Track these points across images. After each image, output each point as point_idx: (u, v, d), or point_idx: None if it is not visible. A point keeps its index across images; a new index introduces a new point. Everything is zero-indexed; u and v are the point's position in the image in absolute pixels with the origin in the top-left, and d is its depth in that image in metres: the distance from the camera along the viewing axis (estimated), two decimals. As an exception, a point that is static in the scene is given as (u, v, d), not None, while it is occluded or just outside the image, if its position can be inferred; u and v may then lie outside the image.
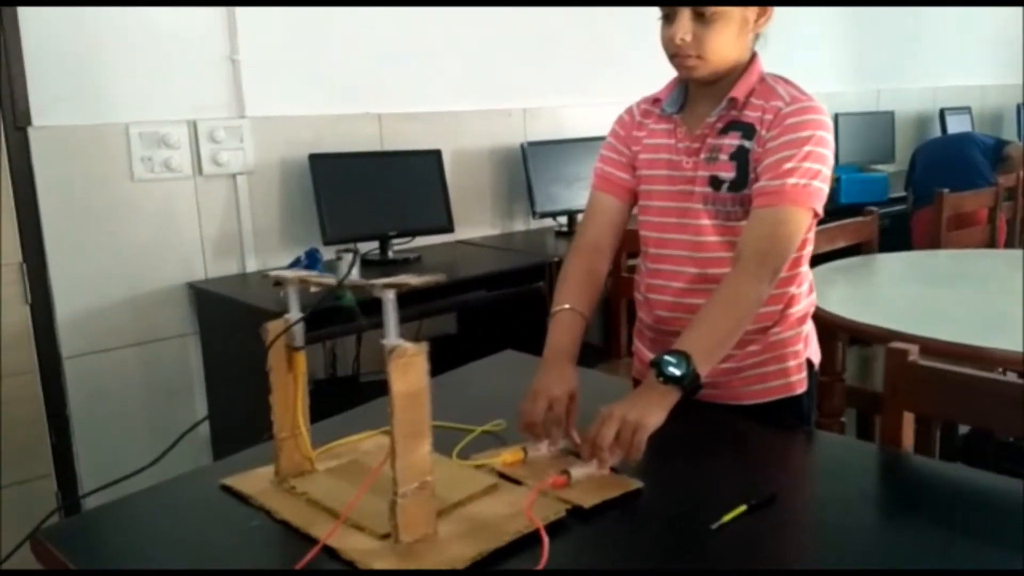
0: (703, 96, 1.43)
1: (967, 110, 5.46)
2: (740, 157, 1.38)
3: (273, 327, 1.15)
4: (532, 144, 3.30)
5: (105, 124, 2.48)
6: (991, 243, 3.41)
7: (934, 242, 3.27)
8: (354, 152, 2.91)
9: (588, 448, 1.17)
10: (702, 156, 1.41)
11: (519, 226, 3.47)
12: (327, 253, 2.65)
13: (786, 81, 1.41)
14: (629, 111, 1.55)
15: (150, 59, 2.53)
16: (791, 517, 1.09)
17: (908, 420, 1.30)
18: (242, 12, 2.67)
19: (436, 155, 3.02)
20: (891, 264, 2.74)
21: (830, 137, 1.35)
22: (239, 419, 2.63)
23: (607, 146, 1.55)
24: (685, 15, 1.32)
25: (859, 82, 4.82)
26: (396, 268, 2.81)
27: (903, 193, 4.15)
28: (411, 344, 0.99)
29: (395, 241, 2.91)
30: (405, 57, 3.07)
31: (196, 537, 1.08)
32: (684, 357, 1.21)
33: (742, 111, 1.39)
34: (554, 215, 3.35)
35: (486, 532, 1.03)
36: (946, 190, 3.21)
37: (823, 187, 1.34)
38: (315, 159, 2.78)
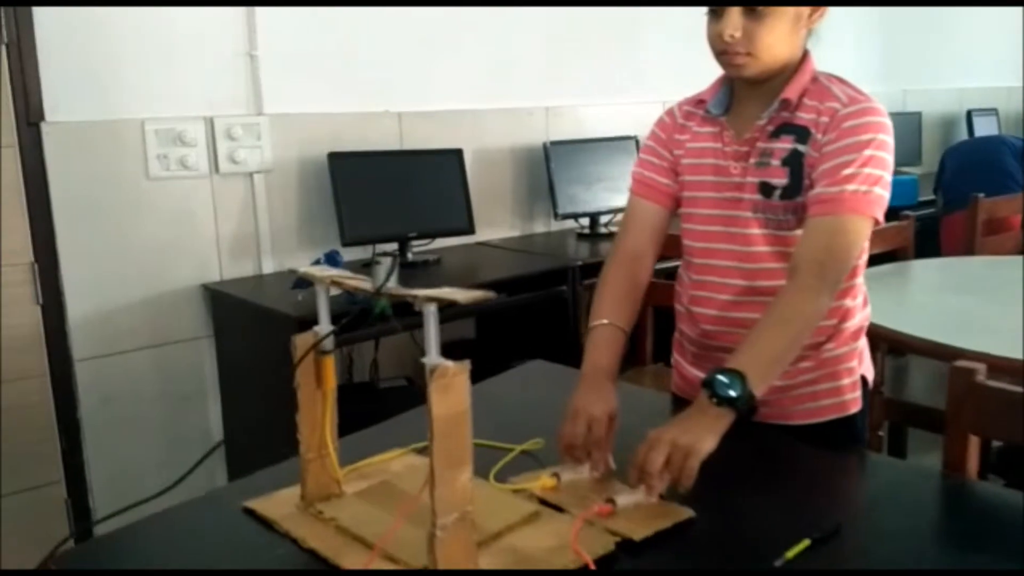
0: (751, 97, 1.35)
1: (994, 111, 5.35)
2: (793, 162, 1.29)
3: (302, 341, 1.07)
4: (555, 143, 3.21)
5: (120, 120, 2.41)
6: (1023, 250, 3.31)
7: (966, 248, 3.17)
8: (374, 151, 2.84)
9: (636, 474, 1.09)
10: (751, 161, 1.33)
11: (540, 227, 3.39)
12: (346, 254, 2.59)
13: (841, 80, 1.33)
14: (670, 113, 1.47)
15: (166, 54, 2.46)
16: (858, 552, 1.01)
17: (974, 444, 1.21)
18: (261, 7, 2.60)
19: (457, 154, 2.95)
20: (927, 271, 2.65)
21: (891, 140, 1.26)
22: (255, 425, 2.57)
23: (646, 149, 1.47)
24: (735, 10, 1.24)
25: (885, 82, 4.72)
26: (415, 271, 2.73)
27: (931, 196, 4.05)
28: (452, 363, 0.91)
29: (414, 243, 2.83)
30: (425, 54, 2.99)
31: (219, 567, 1.01)
32: (738, 377, 1.13)
33: (795, 113, 1.31)
34: (576, 216, 3.27)
35: (530, 567, 0.95)
36: (981, 195, 3.11)
37: (884, 194, 1.25)
38: (334, 158, 2.71)
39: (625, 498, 1.08)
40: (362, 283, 1.01)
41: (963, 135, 5.16)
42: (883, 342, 1.99)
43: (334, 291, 1.08)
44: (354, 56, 2.83)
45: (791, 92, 1.30)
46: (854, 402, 1.38)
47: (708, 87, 1.41)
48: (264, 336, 2.43)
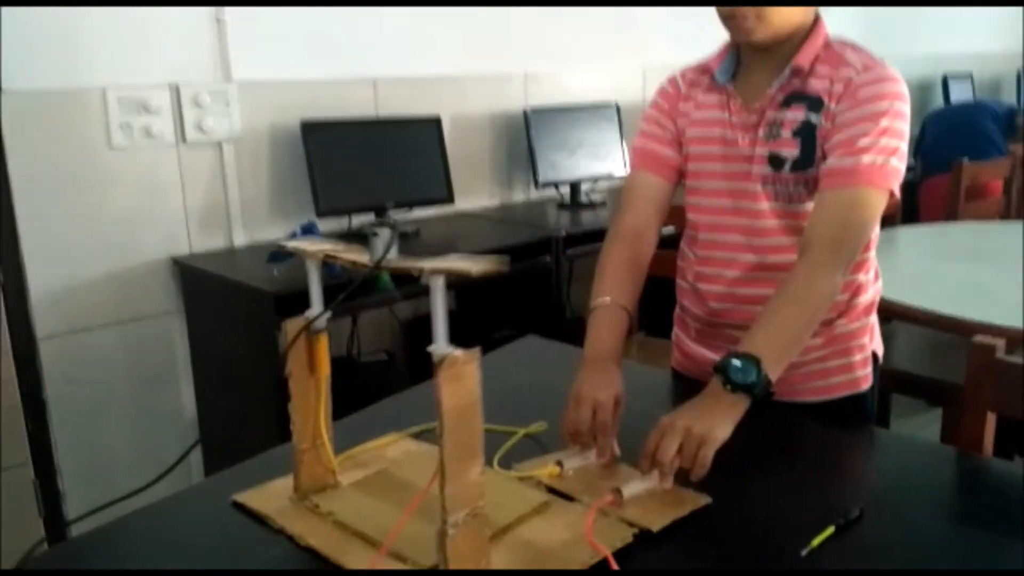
0: (759, 64, 1.28)
1: (969, 76, 5.35)
2: (805, 133, 1.23)
3: (292, 326, 0.99)
4: (535, 110, 3.13)
5: (81, 88, 2.28)
6: (1005, 214, 3.31)
7: (947, 212, 3.16)
8: (349, 119, 2.73)
9: (647, 462, 1.04)
10: (760, 132, 1.26)
11: (519, 196, 3.31)
12: (321, 225, 2.49)
13: (854, 46, 1.26)
14: (672, 82, 1.39)
15: (129, 19, 2.32)
16: (884, 538, 0.96)
17: (991, 421, 1.18)
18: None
19: (435, 123, 2.85)
20: (915, 238, 2.62)
21: (907, 108, 1.21)
22: (229, 405, 2.48)
23: (648, 119, 1.40)
24: None
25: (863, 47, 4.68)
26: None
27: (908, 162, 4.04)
28: (461, 351, 0.84)
29: (392, 213, 2.74)
30: (401, 18, 2.88)
31: (211, 567, 0.93)
32: (753, 362, 1.07)
33: (807, 80, 1.24)
34: (556, 185, 3.20)
35: (547, 563, 0.90)
36: (964, 159, 3.09)
37: (900, 165, 1.19)
38: (307, 127, 2.60)
39: (632, 487, 1.03)
40: (359, 256, 0.93)
41: (939, 100, 5.15)
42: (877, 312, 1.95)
43: (312, 265, 0.99)
44: (327, 20, 2.70)
45: (803, 59, 1.23)
46: (865, 379, 1.34)
47: (714, 54, 1.33)
48: (238, 313, 2.34)
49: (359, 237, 2.71)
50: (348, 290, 0.92)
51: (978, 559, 0.94)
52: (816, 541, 0.93)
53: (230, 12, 2.49)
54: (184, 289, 2.51)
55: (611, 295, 1.28)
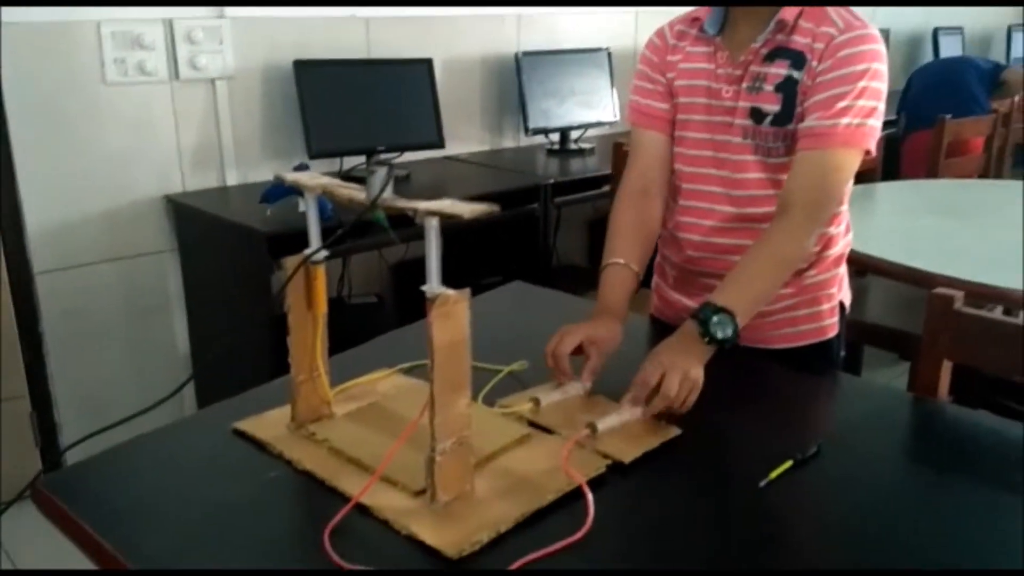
0: (746, 17, 1.31)
1: (960, 30, 5.36)
2: (787, 89, 1.27)
3: (291, 263, 1.04)
4: (527, 54, 3.14)
5: (74, 21, 2.29)
6: (985, 172, 3.37)
7: (928, 169, 3.21)
8: (341, 60, 2.75)
9: (645, 391, 1.11)
10: (744, 85, 1.31)
11: (509, 142, 3.34)
12: (313, 167, 2.52)
13: (837, 4, 1.30)
14: (660, 34, 1.43)
15: (121, -50, 2.32)
16: (838, 473, 1.05)
17: (946, 369, 1.26)
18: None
19: (427, 64, 2.87)
20: (894, 193, 2.69)
21: (885, 68, 1.25)
22: (221, 339, 2.54)
23: (640, 75, 1.43)
24: None
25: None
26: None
27: (892, 116, 4.07)
28: (452, 291, 0.90)
29: (383, 157, 2.77)
30: (394, -44, 2.87)
31: (213, 489, 1.01)
32: (730, 318, 1.15)
33: (790, 36, 1.28)
34: (546, 132, 3.23)
35: (525, 490, 0.97)
36: (948, 116, 3.14)
37: (877, 124, 1.25)
38: (300, 66, 2.62)
39: (607, 421, 1.10)
40: (356, 193, 0.98)
41: (929, 53, 5.17)
42: (851, 265, 2.02)
43: (310, 198, 1.03)
44: (319, -43, 2.70)
45: (787, 13, 1.27)
46: (832, 327, 1.41)
47: (703, 6, 1.37)
48: (231, 251, 2.39)
49: (349, 179, 2.75)
50: (347, 225, 0.96)
51: (924, 493, 1.03)
52: (775, 473, 1.01)
53: (224, -52, 2.48)
54: (178, 227, 2.55)
55: (622, 256, 1.34)
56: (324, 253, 1.05)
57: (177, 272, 2.59)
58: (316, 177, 1.06)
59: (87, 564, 0.92)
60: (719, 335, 1.15)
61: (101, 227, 2.43)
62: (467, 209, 0.88)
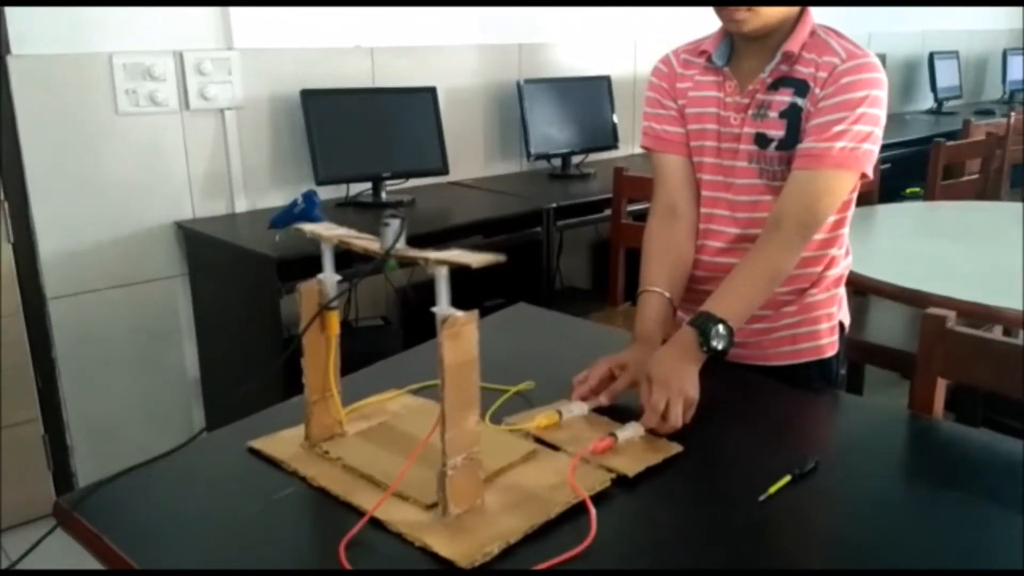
0: (750, 49, 1.37)
1: (955, 54, 5.43)
2: (791, 115, 1.33)
3: (307, 289, 1.09)
4: (528, 82, 3.20)
5: (87, 54, 2.35)
6: (982, 194, 3.41)
7: (926, 192, 3.26)
8: (347, 88, 2.81)
9: (654, 418, 1.16)
10: (750, 112, 1.36)
11: (512, 168, 3.40)
12: (320, 193, 2.57)
13: (838, 34, 1.36)
14: (666, 62, 1.48)
15: (134, -15, 2.39)
16: (835, 488, 1.08)
17: (941, 387, 1.29)
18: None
19: (431, 92, 2.93)
20: (893, 216, 2.73)
21: (884, 95, 1.30)
22: (231, 365, 2.58)
23: (651, 102, 1.49)
24: None
25: (852, 25, 4.73)
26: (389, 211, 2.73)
27: (897, 138, 4.12)
28: (462, 313, 0.94)
29: (388, 183, 2.83)
30: (398, -12, 2.94)
31: (229, 506, 1.04)
32: (727, 328, 1.21)
33: (794, 66, 1.33)
34: (548, 157, 3.28)
35: (533, 503, 1.01)
36: (943, 140, 3.19)
37: (873, 148, 1.30)
38: (307, 95, 2.68)
39: (624, 433, 1.15)
40: (370, 244, 1.03)
41: (925, 77, 5.24)
42: (850, 286, 2.06)
43: (326, 248, 1.08)
44: (326, -10, 2.77)
45: (793, 45, 1.32)
46: (831, 346, 1.45)
47: (708, 37, 1.42)
48: (241, 277, 2.43)
49: (355, 205, 2.80)
50: (361, 275, 1.02)
51: (919, 508, 1.06)
52: (774, 488, 1.04)
53: (232, -19, 2.55)
54: (188, 253, 2.60)
55: (656, 284, 1.39)
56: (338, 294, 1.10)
57: (187, 297, 2.63)
58: (332, 228, 1.11)
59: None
60: (719, 346, 1.21)
61: (113, 253, 2.48)
62: (475, 259, 0.93)
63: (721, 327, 1.21)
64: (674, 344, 1.24)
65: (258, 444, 1.15)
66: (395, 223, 0.98)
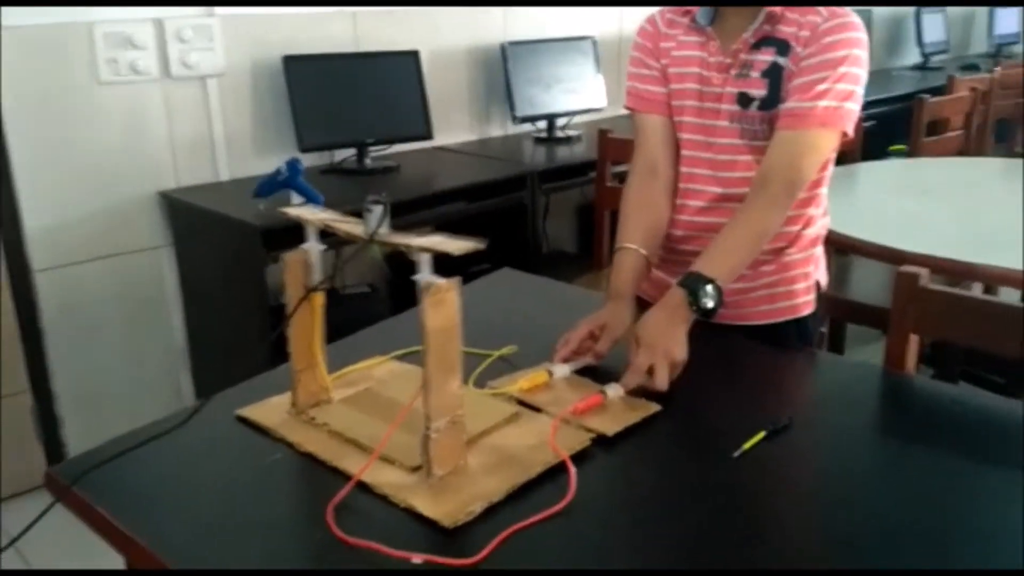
0: (734, 10, 1.38)
1: (942, 10, 5.40)
2: (773, 74, 1.34)
3: (291, 259, 1.10)
4: (512, 44, 3.19)
5: (68, 23, 2.33)
6: (965, 149, 3.43)
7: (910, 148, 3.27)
8: (329, 54, 2.79)
9: (638, 380, 1.19)
10: (732, 72, 1.37)
11: (497, 131, 3.39)
12: (304, 160, 2.57)
13: None
14: (651, 21, 1.49)
15: (110, -48, 2.36)
16: (808, 444, 1.11)
17: (913, 342, 1.32)
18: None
19: (414, 56, 2.91)
20: (875, 174, 2.75)
21: (865, 54, 1.32)
22: (218, 334, 2.60)
23: (635, 61, 1.50)
24: None
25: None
26: (374, 178, 2.74)
27: (881, 95, 4.12)
28: (443, 280, 0.96)
29: (372, 149, 2.83)
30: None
31: (219, 474, 1.07)
32: (716, 288, 1.23)
33: (776, 26, 1.34)
34: (534, 120, 3.28)
35: (514, 464, 1.03)
36: (926, 96, 3.20)
37: (855, 107, 1.31)
38: (289, 61, 2.66)
39: (614, 390, 1.18)
40: (353, 228, 1.04)
41: (912, 32, 5.21)
42: (830, 244, 2.09)
43: (311, 232, 1.09)
44: (305, -47, 2.74)
45: (777, 5, 1.33)
46: (807, 305, 1.47)
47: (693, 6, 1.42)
48: (226, 245, 2.44)
49: (340, 172, 2.80)
50: (344, 260, 1.03)
51: (888, 460, 1.10)
52: (748, 444, 1.07)
53: (211, -54, 2.52)
54: (172, 222, 2.60)
55: (631, 240, 1.41)
56: (320, 258, 1.11)
57: (173, 267, 2.64)
58: (316, 212, 1.12)
59: (95, 550, 0.97)
60: (709, 304, 1.23)
61: (97, 224, 2.48)
62: (455, 247, 0.95)
63: (710, 287, 1.24)
64: (663, 305, 1.26)
65: (246, 412, 1.18)
66: (378, 209, 1.00)
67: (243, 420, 1.17)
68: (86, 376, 2.54)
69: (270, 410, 1.18)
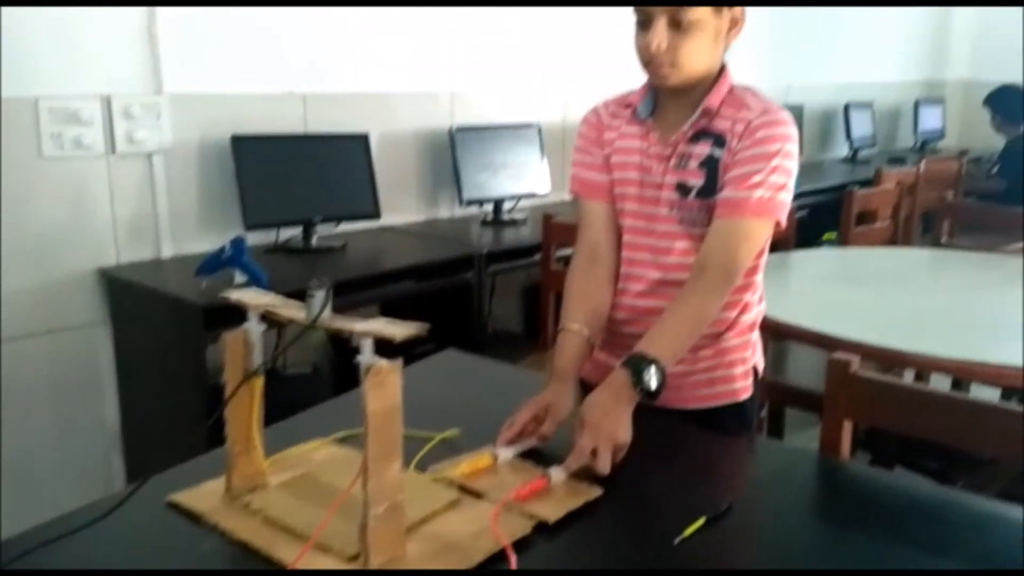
0: (674, 103, 1.44)
1: (869, 105, 5.70)
2: (710, 165, 1.40)
3: (231, 338, 1.09)
4: (460, 129, 3.26)
5: (12, 98, 2.30)
6: (893, 240, 3.58)
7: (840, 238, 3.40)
8: (279, 135, 2.81)
9: (579, 462, 1.19)
10: (671, 163, 1.43)
11: (444, 212, 3.43)
12: (250, 238, 2.56)
13: (754, 92, 1.44)
14: (595, 112, 1.55)
15: (62, 29, 2.36)
16: (748, 529, 1.12)
17: (847, 428, 1.35)
18: (161, -18, 2.52)
19: (363, 139, 2.95)
20: (808, 262, 2.84)
21: (796, 149, 1.39)
22: (153, 413, 2.52)
23: (579, 150, 1.55)
24: (661, 23, 1.33)
25: (772, 77, 4.96)
26: (320, 257, 2.74)
27: (812, 186, 4.32)
28: (385, 361, 0.96)
29: (319, 227, 2.83)
30: (330, 35, 2.97)
31: (147, 564, 1.03)
32: (659, 369, 1.26)
33: (712, 120, 1.41)
34: (481, 202, 3.33)
35: (455, 552, 1.02)
36: (856, 188, 3.35)
37: (787, 198, 1.37)
38: (238, 141, 2.67)
39: (558, 473, 1.18)
40: (296, 313, 1.05)
41: (841, 126, 5.48)
42: (766, 330, 2.14)
43: (253, 316, 1.09)
44: (257, 36, 2.78)
45: (712, 101, 1.40)
46: (745, 389, 1.51)
47: (635, 91, 1.49)
48: (167, 323, 2.40)
49: (285, 251, 2.79)
50: (282, 348, 1.03)
51: (823, 546, 1.11)
52: (689, 531, 1.08)
53: (163, 25, 2.53)
54: (110, 300, 2.55)
55: (574, 321, 1.44)
56: (261, 341, 1.10)
57: (109, 345, 2.57)
58: (259, 296, 1.12)
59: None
60: (653, 385, 1.25)
61: (33, 301, 2.41)
62: (398, 332, 0.96)
63: (654, 368, 1.26)
64: (607, 386, 1.28)
65: (179, 497, 1.14)
66: (320, 293, 1.00)
67: (175, 506, 1.13)
68: (16, 456, 2.42)
69: (204, 495, 1.15)
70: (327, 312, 1.01)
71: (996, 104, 5.11)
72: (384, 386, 0.95)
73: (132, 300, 2.50)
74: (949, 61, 6.68)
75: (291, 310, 1.05)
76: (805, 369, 2.67)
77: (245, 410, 1.13)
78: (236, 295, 1.11)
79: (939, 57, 6.67)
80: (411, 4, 3.16)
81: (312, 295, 1.00)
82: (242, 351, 1.11)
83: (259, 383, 1.13)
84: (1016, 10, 6.18)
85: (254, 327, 1.11)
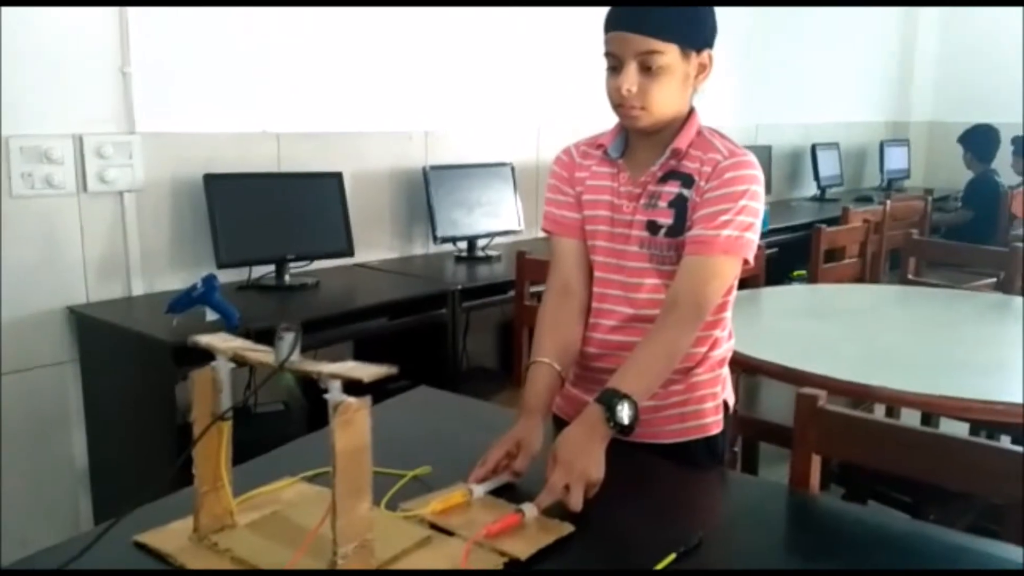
0: (644, 144, 1.48)
1: (836, 145, 5.83)
2: (679, 205, 1.43)
3: (199, 377, 1.09)
4: (434, 168, 3.28)
5: (-19, 137, 2.30)
6: (861, 277, 3.63)
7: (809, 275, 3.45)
8: (251, 173, 2.82)
9: (552, 499, 1.20)
10: (641, 202, 1.46)
11: (418, 250, 3.45)
12: (222, 276, 2.55)
13: (722, 135, 1.47)
14: (567, 152, 1.58)
15: (33, 68, 2.37)
16: (718, 563, 1.13)
17: (816, 462, 1.36)
18: (135, 20, 2.53)
19: (337, 178, 2.96)
20: (777, 298, 2.88)
21: (762, 190, 1.42)
22: (123, 454, 2.49)
23: (552, 188, 1.58)
24: (632, 67, 1.37)
25: (741, 117, 5.06)
26: (293, 295, 2.73)
27: (783, 224, 4.40)
28: (354, 399, 0.96)
29: (292, 265, 2.83)
30: (304, 75, 3.00)
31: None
32: (632, 404, 1.27)
33: (681, 161, 1.44)
34: (454, 240, 3.35)
35: (425, 590, 1.01)
36: (823, 226, 3.41)
37: (754, 238, 1.40)
38: (210, 179, 2.67)
39: (531, 510, 1.18)
40: (264, 356, 1.05)
41: (808, 166, 5.59)
42: (738, 366, 2.16)
43: (222, 360, 1.09)
44: (231, 75, 2.80)
45: (681, 143, 1.44)
46: (716, 424, 1.52)
47: (606, 133, 1.53)
48: (135, 362, 2.37)
49: (258, 288, 2.77)
50: (252, 391, 1.03)
51: (795, 579, 1.11)
52: (660, 565, 1.08)
53: (136, 64, 2.55)
54: (79, 338, 2.52)
55: (544, 355, 1.46)
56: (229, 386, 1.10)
57: (77, 384, 2.54)
58: (228, 340, 1.12)
59: None
60: (625, 420, 1.26)
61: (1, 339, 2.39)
62: (366, 373, 0.96)
63: (626, 403, 1.27)
64: (581, 422, 1.29)
65: (145, 538, 1.12)
66: (289, 336, 1.00)
67: (142, 546, 1.11)
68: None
69: (171, 535, 1.13)
70: (296, 354, 1.01)
71: (969, 142, 5.55)
72: (352, 424, 0.95)
73: (101, 338, 2.47)
74: (913, 103, 6.85)
75: (259, 355, 1.05)
76: (779, 405, 2.69)
77: (213, 449, 1.12)
78: (205, 340, 1.11)
79: (903, 99, 6.84)
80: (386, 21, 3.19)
81: (281, 337, 1.00)
82: (210, 390, 1.10)
83: (228, 425, 1.12)
84: (977, 53, 6.39)
85: (223, 365, 1.10)
